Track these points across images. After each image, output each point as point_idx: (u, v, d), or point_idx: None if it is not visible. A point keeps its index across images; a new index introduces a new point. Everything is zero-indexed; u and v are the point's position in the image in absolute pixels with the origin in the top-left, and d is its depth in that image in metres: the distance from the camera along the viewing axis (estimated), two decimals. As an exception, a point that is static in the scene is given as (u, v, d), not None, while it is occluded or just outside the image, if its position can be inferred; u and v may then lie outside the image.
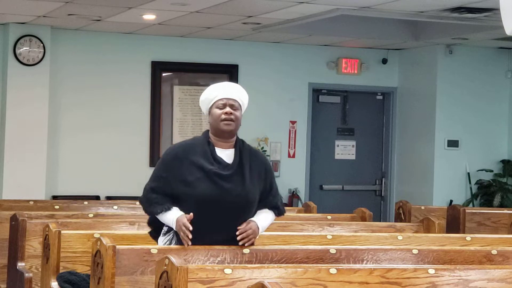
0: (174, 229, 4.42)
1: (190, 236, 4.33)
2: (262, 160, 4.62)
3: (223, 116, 4.47)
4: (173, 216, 4.41)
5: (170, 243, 4.48)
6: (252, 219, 4.50)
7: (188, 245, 4.35)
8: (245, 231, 4.44)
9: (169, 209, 4.42)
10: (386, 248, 4.73)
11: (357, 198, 11.00)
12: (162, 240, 4.54)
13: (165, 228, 4.54)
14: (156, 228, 4.60)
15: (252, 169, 4.51)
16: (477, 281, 3.78)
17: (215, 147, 4.50)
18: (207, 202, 4.37)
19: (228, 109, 4.48)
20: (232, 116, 4.48)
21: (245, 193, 4.45)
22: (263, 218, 4.56)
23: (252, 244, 4.50)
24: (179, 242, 4.42)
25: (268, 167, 4.62)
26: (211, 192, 4.38)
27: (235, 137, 4.56)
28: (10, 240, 5.85)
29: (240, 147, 4.55)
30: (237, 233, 4.43)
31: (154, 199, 4.46)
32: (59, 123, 10.01)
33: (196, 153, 4.46)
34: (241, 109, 4.56)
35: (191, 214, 4.35)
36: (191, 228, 4.33)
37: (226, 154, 4.50)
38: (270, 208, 4.60)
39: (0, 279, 6.13)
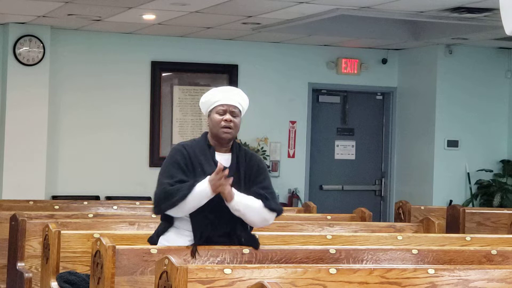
0: (212, 191, 4.31)
1: (226, 172, 4.29)
2: (256, 161, 4.60)
3: (223, 124, 4.46)
4: (203, 184, 4.31)
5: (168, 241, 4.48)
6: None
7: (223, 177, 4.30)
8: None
9: (195, 184, 4.32)
10: (386, 248, 4.74)
11: (357, 198, 11.01)
12: (161, 241, 4.54)
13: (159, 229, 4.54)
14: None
15: (247, 173, 4.52)
16: (477, 281, 3.78)
17: (215, 151, 4.51)
18: (208, 204, 4.36)
19: (228, 116, 4.47)
20: (232, 124, 4.47)
21: None
22: (244, 195, 4.45)
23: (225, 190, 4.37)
24: (177, 240, 4.43)
25: (261, 165, 4.59)
26: None
27: (232, 142, 4.56)
28: (10, 240, 5.86)
29: (237, 151, 4.55)
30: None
31: (173, 189, 4.35)
32: (59, 123, 10.01)
33: (198, 154, 4.47)
34: (240, 115, 4.55)
35: (219, 163, 4.30)
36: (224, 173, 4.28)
37: (224, 158, 4.50)
38: (256, 196, 4.48)
39: (0, 279, 6.14)
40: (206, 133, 4.59)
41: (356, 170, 11.26)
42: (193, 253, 4.37)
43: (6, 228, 6.01)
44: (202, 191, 4.33)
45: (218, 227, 4.45)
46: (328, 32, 9.74)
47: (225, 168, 4.42)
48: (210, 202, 4.38)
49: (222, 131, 4.47)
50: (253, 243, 4.54)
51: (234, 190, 4.40)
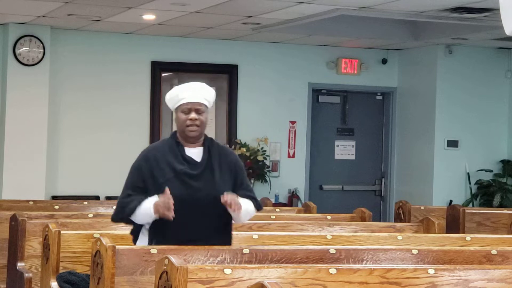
0: (154, 214, 4.36)
1: (172, 208, 4.30)
2: (231, 156, 4.63)
3: (188, 122, 4.49)
4: (149, 203, 4.38)
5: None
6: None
7: (172, 216, 4.32)
8: (228, 196, 4.39)
9: (143, 200, 4.41)
10: (386, 248, 4.74)
11: (356, 198, 11.00)
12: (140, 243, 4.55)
13: (142, 235, 4.55)
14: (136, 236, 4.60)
15: (222, 166, 4.54)
16: (476, 281, 3.78)
17: (184, 147, 4.53)
18: (178, 202, 4.36)
19: (193, 115, 4.50)
20: (197, 122, 4.50)
21: (215, 191, 4.45)
22: (242, 200, 4.51)
23: (238, 208, 4.42)
24: (157, 243, 4.43)
25: (238, 164, 4.63)
26: (181, 192, 4.40)
27: (202, 137, 4.58)
28: (10, 240, 5.86)
29: (209, 145, 4.58)
30: (222, 199, 4.36)
31: (126, 201, 4.47)
32: (59, 123, 10.01)
33: (166, 154, 4.50)
34: (207, 110, 4.58)
35: (167, 188, 4.33)
36: (171, 200, 4.29)
37: (195, 153, 4.53)
38: (246, 198, 4.58)
39: (0, 279, 6.14)
40: (175, 132, 4.62)
41: (356, 170, 11.26)
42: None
43: (6, 228, 6.01)
44: (146, 210, 4.41)
45: (194, 233, 4.45)
46: (328, 32, 9.74)
47: (196, 162, 4.45)
48: (192, 208, 4.41)
49: (188, 130, 4.50)
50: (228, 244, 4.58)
51: (240, 200, 4.46)
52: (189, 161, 4.48)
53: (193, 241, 4.41)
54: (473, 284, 3.77)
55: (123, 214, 4.50)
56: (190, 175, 4.45)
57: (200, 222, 4.45)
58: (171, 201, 4.31)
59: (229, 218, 4.55)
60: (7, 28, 9.68)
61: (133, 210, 4.43)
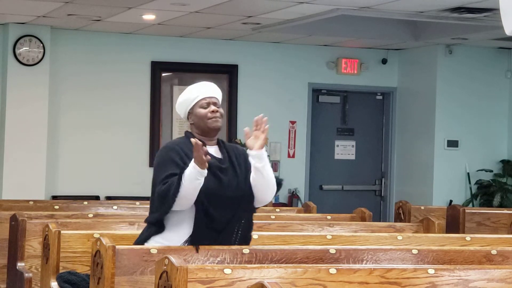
0: (198, 168, 4.28)
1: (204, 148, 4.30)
2: (242, 151, 4.72)
3: (210, 115, 4.57)
4: (191, 165, 4.30)
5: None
6: None
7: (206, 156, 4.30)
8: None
9: (183, 170, 4.33)
10: (385, 248, 4.73)
11: (356, 198, 11.00)
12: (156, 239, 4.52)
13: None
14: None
15: (239, 163, 4.62)
16: (476, 281, 3.77)
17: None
18: (210, 195, 4.38)
19: (213, 107, 4.60)
20: (218, 114, 4.61)
21: (241, 186, 4.51)
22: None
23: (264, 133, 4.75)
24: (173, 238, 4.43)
25: (247, 154, 4.69)
26: (213, 184, 4.41)
27: (216, 136, 4.66)
28: (10, 240, 5.85)
29: (221, 144, 4.66)
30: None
31: (168, 184, 4.34)
32: (58, 123, 10.01)
33: (190, 149, 4.46)
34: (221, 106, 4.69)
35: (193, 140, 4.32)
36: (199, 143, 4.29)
37: (213, 151, 4.56)
38: None
39: (0, 279, 6.14)
40: (188, 132, 4.64)
41: (356, 170, 11.26)
42: (197, 249, 4.36)
43: (6, 228, 6.01)
44: (191, 173, 4.31)
45: (219, 224, 4.45)
46: (328, 32, 9.74)
47: (220, 158, 4.52)
48: (220, 201, 4.41)
49: (211, 122, 4.57)
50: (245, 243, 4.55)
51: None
52: (213, 156, 4.50)
53: (218, 232, 4.41)
54: (473, 284, 3.76)
55: (169, 196, 4.31)
56: (220, 168, 4.48)
57: (225, 215, 4.45)
58: (202, 148, 4.28)
59: (250, 215, 4.59)
60: (7, 28, 9.68)
61: (179, 184, 4.30)
